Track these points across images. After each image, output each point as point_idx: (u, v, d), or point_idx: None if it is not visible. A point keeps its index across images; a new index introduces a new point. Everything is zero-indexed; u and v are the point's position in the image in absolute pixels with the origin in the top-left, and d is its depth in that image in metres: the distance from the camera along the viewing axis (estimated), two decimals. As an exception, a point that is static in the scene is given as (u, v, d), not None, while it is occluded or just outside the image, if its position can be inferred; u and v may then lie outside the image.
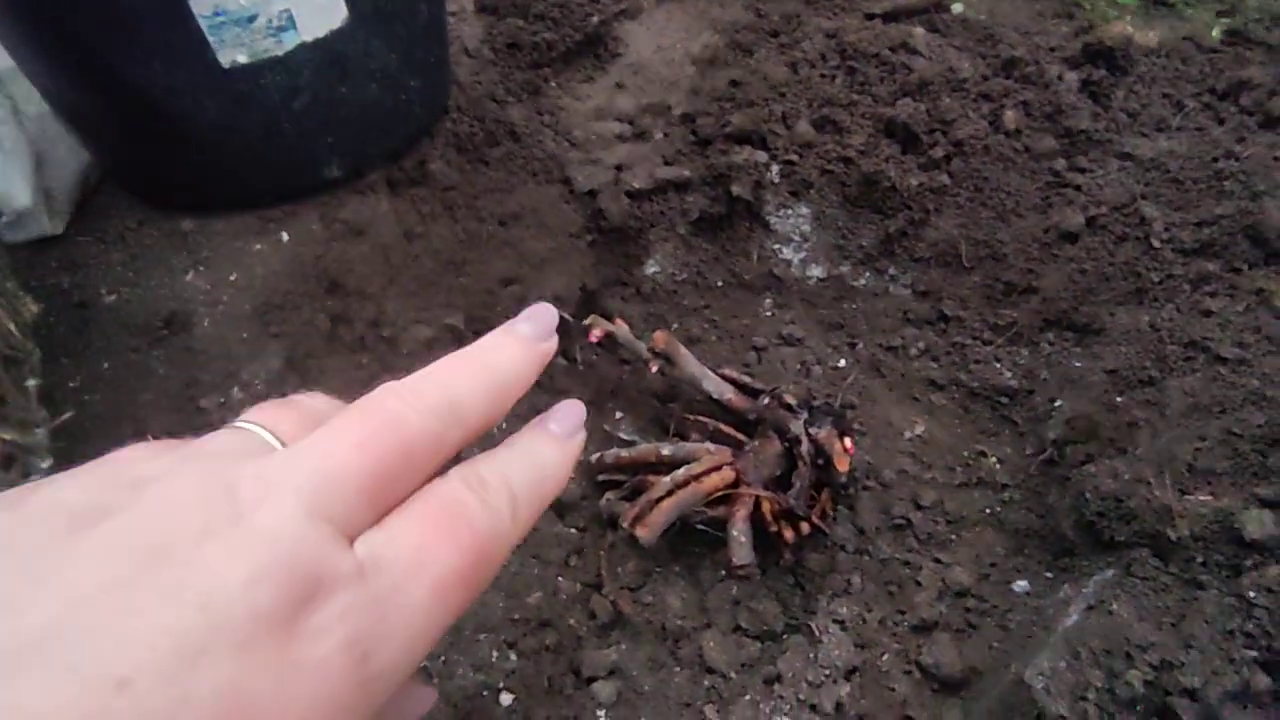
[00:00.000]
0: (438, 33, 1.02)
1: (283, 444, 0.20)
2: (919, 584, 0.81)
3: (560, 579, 0.85)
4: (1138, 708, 0.58)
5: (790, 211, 1.06)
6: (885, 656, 0.75)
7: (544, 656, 0.76)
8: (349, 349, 0.88)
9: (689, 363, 0.92)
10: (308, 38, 0.83)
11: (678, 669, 0.78)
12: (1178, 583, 0.62)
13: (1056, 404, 0.86)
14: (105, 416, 0.80)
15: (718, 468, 0.83)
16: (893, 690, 0.72)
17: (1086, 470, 0.75)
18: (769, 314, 1.08)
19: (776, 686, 0.74)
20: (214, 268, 0.92)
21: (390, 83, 0.95)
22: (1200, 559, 0.62)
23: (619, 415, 1.01)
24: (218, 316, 0.88)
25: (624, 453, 0.90)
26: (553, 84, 1.21)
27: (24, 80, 0.86)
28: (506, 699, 0.72)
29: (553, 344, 0.25)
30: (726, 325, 1.08)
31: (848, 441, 0.83)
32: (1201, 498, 0.64)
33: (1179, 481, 0.67)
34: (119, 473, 0.18)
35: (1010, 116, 0.97)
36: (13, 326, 0.59)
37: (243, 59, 0.82)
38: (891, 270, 1.03)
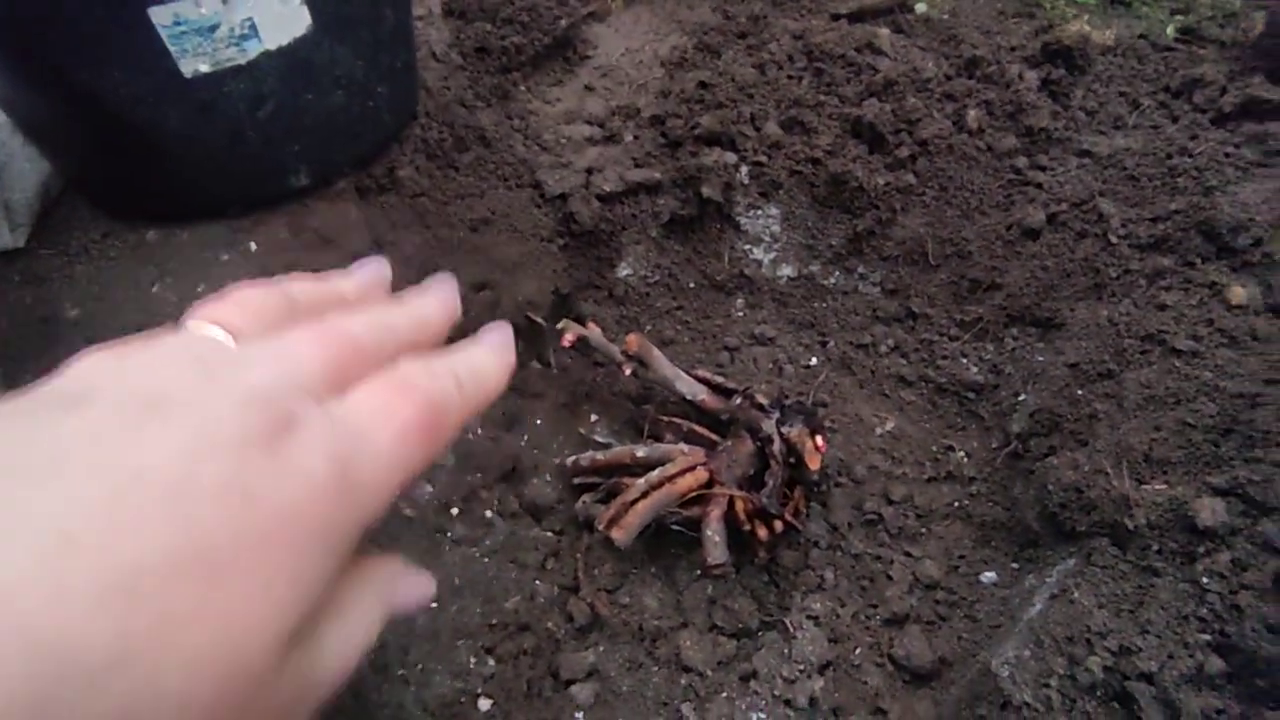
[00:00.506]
0: (404, 38, 1.01)
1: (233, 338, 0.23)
2: (890, 578, 0.82)
3: (537, 582, 0.85)
4: (1098, 693, 0.60)
5: (760, 212, 1.07)
6: (858, 650, 0.77)
7: (522, 661, 0.76)
8: (320, 358, 0.88)
9: (662, 364, 0.93)
10: (271, 46, 0.82)
11: (655, 669, 0.78)
12: (1135, 570, 0.64)
13: (1021, 398, 0.88)
14: (72, 432, 0.79)
15: (691, 468, 0.84)
16: (865, 683, 0.74)
17: (1049, 462, 0.77)
18: (741, 314, 1.09)
19: (752, 683, 0.75)
20: (181, 280, 0.91)
21: (356, 89, 0.95)
22: (1156, 547, 0.63)
23: (594, 418, 1.02)
24: (186, 328, 0.87)
25: (599, 455, 0.91)
26: (522, 88, 1.21)
27: (-20, 91, 0.85)
28: (485, 704, 0.72)
29: (450, 314, 0.29)
30: (699, 326, 1.09)
31: (819, 439, 0.85)
32: (1157, 487, 0.66)
33: (1136, 472, 0.69)
34: (109, 366, 0.20)
35: (973, 116, 0.99)
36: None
37: (205, 68, 0.81)
38: (860, 269, 1.04)
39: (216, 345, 0.22)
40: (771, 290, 1.08)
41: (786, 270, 1.07)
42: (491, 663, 0.74)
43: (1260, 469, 0.61)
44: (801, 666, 0.75)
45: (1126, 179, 0.92)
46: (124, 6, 0.75)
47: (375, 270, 0.30)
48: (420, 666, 0.70)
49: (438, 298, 0.29)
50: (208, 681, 0.16)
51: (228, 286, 0.26)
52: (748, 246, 1.09)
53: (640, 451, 0.88)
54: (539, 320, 1.00)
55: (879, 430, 0.96)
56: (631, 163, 1.08)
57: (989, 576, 0.80)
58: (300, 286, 0.26)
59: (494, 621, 0.79)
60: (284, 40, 0.82)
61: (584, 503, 0.89)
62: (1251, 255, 0.77)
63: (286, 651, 0.18)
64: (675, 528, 0.83)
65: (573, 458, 0.92)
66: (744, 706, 0.74)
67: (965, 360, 0.95)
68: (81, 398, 0.18)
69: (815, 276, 1.06)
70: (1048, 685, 0.61)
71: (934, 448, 0.93)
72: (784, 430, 0.84)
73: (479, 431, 0.98)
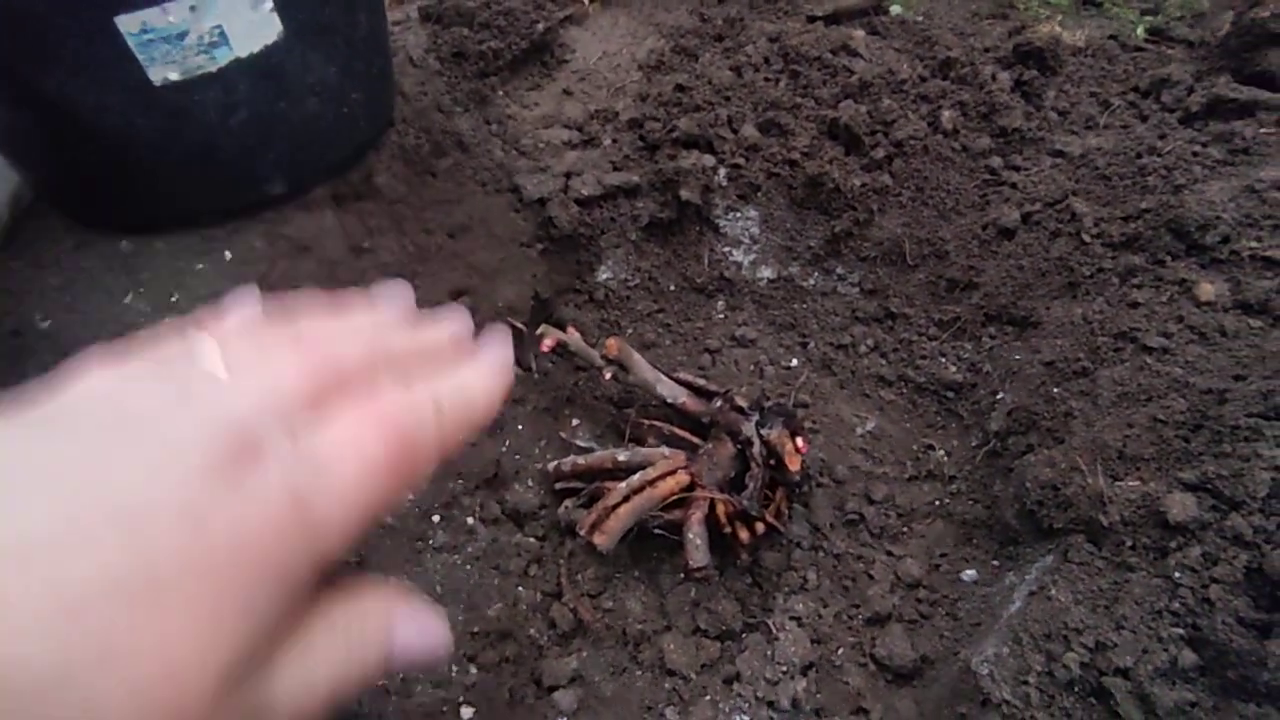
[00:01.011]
0: (379, 44, 1.01)
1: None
2: (872, 577, 0.83)
3: (520, 589, 0.85)
4: (1075, 689, 0.61)
5: (739, 214, 1.08)
6: (840, 650, 0.77)
7: (504, 668, 0.76)
8: (297, 368, 0.87)
9: (642, 368, 0.93)
10: (241, 53, 0.82)
11: (639, 672, 0.78)
12: (1110, 566, 0.65)
13: (999, 396, 0.89)
14: (43, 447, 0.78)
15: (672, 472, 0.84)
16: (847, 684, 0.74)
17: (1027, 460, 0.78)
18: (721, 316, 1.09)
19: (735, 685, 0.75)
20: (155, 290, 0.90)
21: (331, 96, 0.94)
22: (1129, 543, 0.64)
23: (575, 422, 1.01)
24: (160, 339, 0.86)
25: (581, 460, 0.91)
26: (500, 92, 1.21)
27: (-54, 101, 0.83)
28: (467, 713, 0.72)
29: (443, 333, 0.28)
30: (680, 329, 1.09)
31: (799, 441, 0.85)
32: (1130, 483, 0.67)
33: (1110, 468, 0.70)
34: (101, 382, 0.20)
35: (947, 116, 1.00)
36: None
37: (174, 76, 0.80)
38: (839, 270, 1.05)
39: (204, 363, 0.22)
40: (752, 292, 1.08)
41: (766, 272, 1.08)
42: (474, 671, 0.74)
43: (1229, 464, 0.62)
44: (784, 668, 0.75)
45: (1098, 178, 0.93)
46: (90, 14, 0.74)
47: (393, 298, 0.29)
48: (400, 677, 0.70)
49: (449, 330, 0.28)
50: (147, 711, 0.16)
51: (241, 296, 0.26)
52: (727, 249, 1.09)
53: (622, 456, 0.88)
54: (519, 325, 0.99)
55: (860, 430, 0.97)
56: (610, 166, 1.08)
57: (970, 574, 0.80)
58: (309, 320, 0.25)
59: (476, 629, 0.79)
60: (255, 48, 0.82)
61: (566, 508, 0.89)
62: (1219, 252, 0.78)
63: (233, 686, 0.18)
64: (658, 531, 0.83)
65: (555, 463, 0.92)
66: (727, 709, 0.74)
67: (944, 359, 0.96)
68: (67, 415, 0.19)
69: (795, 278, 1.07)
70: (1026, 682, 0.62)
71: (914, 447, 0.93)
72: (764, 432, 0.84)
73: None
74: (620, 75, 1.21)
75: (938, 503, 0.88)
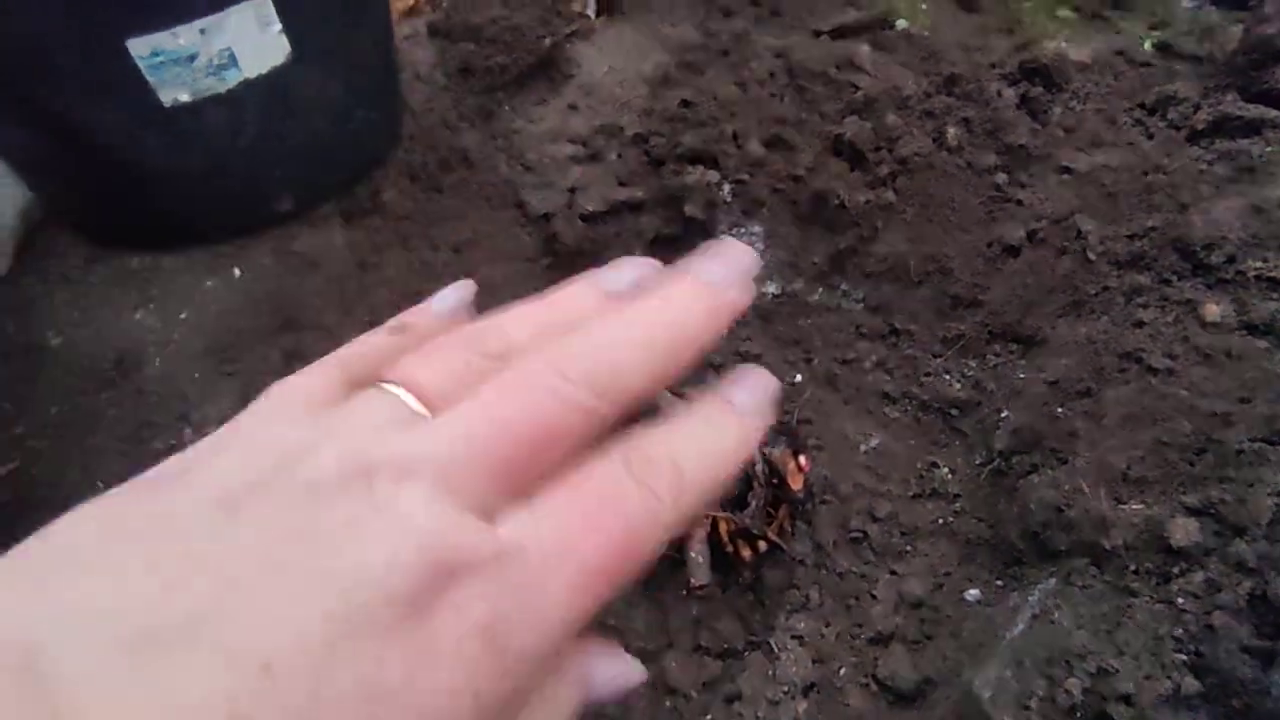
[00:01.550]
0: (386, 63, 1.02)
1: (426, 406, 0.19)
2: (874, 596, 0.83)
3: (523, 606, 0.85)
4: (1078, 715, 0.60)
5: (743, 230, 1.08)
6: (842, 671, 0.77)
7: (506, 687, 0.76)
8: (303, 384, 0.88)
9: (646, 384, 0.94)
10: (250, 74, 0.83)
11: (640, 691, 0.78)
12: (1112, 590, 0.65)
13: (1003, 415, 0.89)
14: (53, 463, 0.79)
15: (676, 490, 0.85)
16: (848, 705, 0.74)
17: (1031, 480, 0.78)
18: (725, 331, 1.09)
19: (736, 705, 0.75)
20: (164, 306, 0.91)
21: (338, 115, 0.95)
22: (1133, 567, 0.64)
23: (580, 438, 1.02)
24: (169, 356, 0.87)
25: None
26: (506, 107, 1.21)
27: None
28: (469, 732, 0.72)
29: (743, 294, 0.22)
30: (685, 343, 1.09)
31: (803, 459, 0.85)
32: (1134, 506, 0.67)
33: (1114, 491, 0.70)
34: (263, 444, 0.18)
35: (952, 133, 1.00)
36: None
37: (185, 97, 0.81)
38: (843, 286, 1.05)
39: (398, 432, 0.18)
40: (755, 307, 1.08)
41: (770, 288, 1.08)
42: (476, 689, 0.74)
43: (1233, 489, 0.62)
44: (785, 688, 0.75)
45: (1104, 196, 0.92)
46: (102, 38, 0.76)
47: (633, 270, 0.22)
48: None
49: (711, 289, 0.21)
50: None
51: (456, 293, 0.22)
52: (732, 264, 1.09)
53: (625, 473, 0.88)
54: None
55: (863, 447, 0.97)
56: (615, 181, 1.08)
57: (973, 594, 0.80)
58: (517, 321, 0.21)
59: (479, 647, 0.79)
60: (263, 68, 0.83)
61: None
62: (1225, 272, 0.78)
63: None
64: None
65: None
66: (729, 729, 0.74)
67: (948, 377, 0.96)
68: (238, 501, 0.16)
69: (799, 294, 1.07)
70: (1028, 707, 0.62)
71: (918, 464, 0.93)
72: (766, 450, 0.84)
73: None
74: (626, 90, 1.22)
75: (941, 521, 0.88)
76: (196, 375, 0.85)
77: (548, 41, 1.23)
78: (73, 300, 0.92)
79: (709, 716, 0.75)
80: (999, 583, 0.80)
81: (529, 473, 0.18)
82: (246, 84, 0.83)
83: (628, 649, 0.76)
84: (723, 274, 0.22)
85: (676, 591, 0.85)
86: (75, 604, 0.14)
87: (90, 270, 0.94)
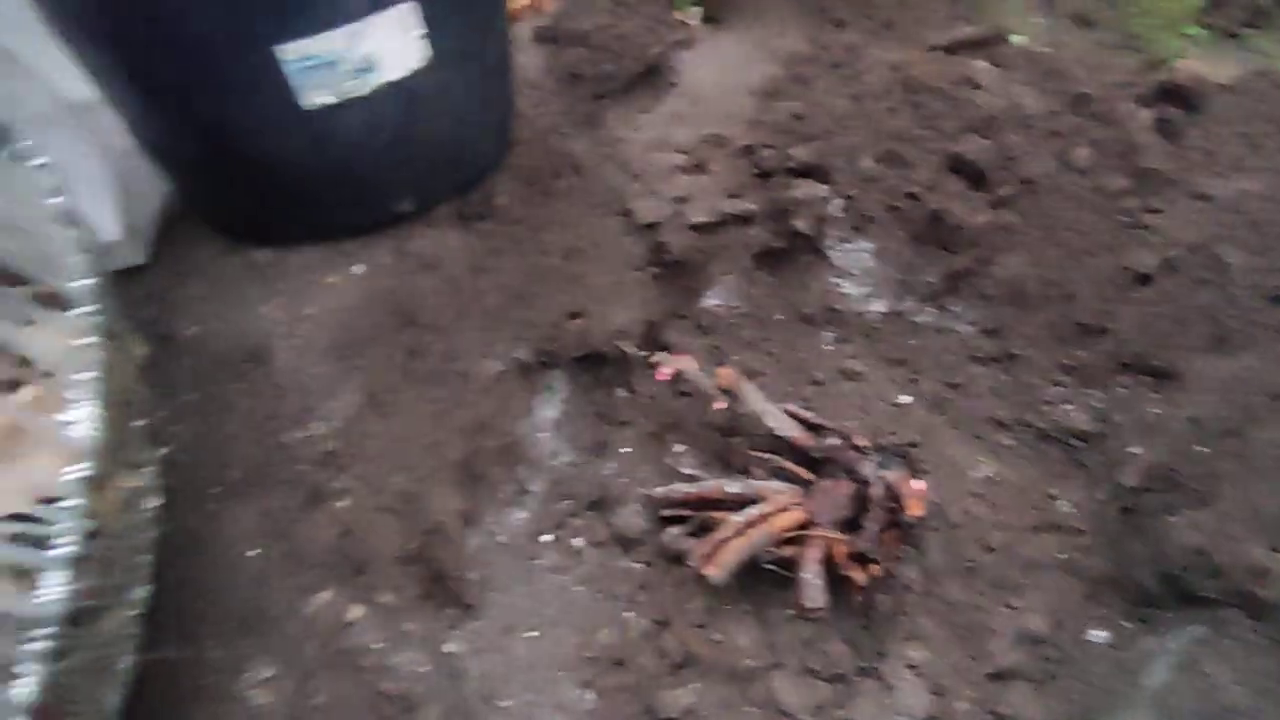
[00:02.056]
0: (506, 68, 1.04)
1: None
2: (991, 630, 0.80)
3: (628, 615, 0.85)
4: (1235, 774, 0.57)
5: (852, 246, 1.06)
6: (961, 705, 0.75)
7: (619, 696, 0.76)
8: (424, 382, 0.90)
9: (753, 399, 0.93)
10: (390, 77, 0.85)
11: (749, 709, 0.78)
12: (1273, 645, 0.61)
13: (1131, 450, 0.85)
14: (191, 449, 0.82)
15: (787, 508, 0.84)
16: (972, 742, 0.72)
17: (1168, 520, 0.75)
18: (829, 348, 1.08)
19: (851, 732, 0.74)
20: (290, 300, 0.94)
21: (463, 118, 0.97)
22: (1298, 622, 0.61)
23: (679, 448, 1.01)
24: (295, 349, 0.90)
25: (688, 488, 0.91)
26: (610, 114, 1.22)
27: (105, 112, 0.89)
28: (583, 739, 0.73)
29: None
30: (785, 358, 1.08)
31: (920, 484, 0.83)
32: (1296, 557, 0.64)
33: (1268, 537, 0.66)
34: None
35: (1081, 154, 0.97)
36: (128, 369, 0.61)
37: (327, 100, 0.84)
38: (956, 307, 1.02)
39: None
40: (861, 325, 1.07)
41: (878, 305, 1.06)
42: (590, 696, 0.75)
43: None
44: (903, 718, 0.73)
45: (1247, 224, 0.88)
46: (254, 44, 0.79)
47: None
48: (524, 698, 0.71)
49: None
50: None
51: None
52: (837, 280, 1.08)
53: (732, 487, 0.88)
54: (628, 349, 1.00)
55: (973, 474, 0.94)
56: (723, 193, 1.08)
57: (1100, 635, 0.77)
58: None
59: (588, 655, 0.80)
60: (403, 72, 0.85)
61: (672, 535, 0.89)
62: (1394, 313, 0.74)
63: None
64: (768, 566, 0.82)
65: (662, 490, 0.92)
66: (843, 757, 0.72)
67: (1070, 407, 0.92)
68: None
69: (908, 313, 1.05)
70: (1179, 761, 0.59)
71: (1035, 495, 0.90)
72: (883, 473, 0.83)
73: (567, 458, 0.99)
74: (731, 101, 1.21)
75: (1062, 556, 0.85)
76: (322, 369, 0.88)
77: (656, 49, 1.24)
78: (205, 292, 0.96)
79: (821, 742, 0.74)
80: (1128, 625, 0.77)
81: None
82: (385, 87, 0.85)
83: (734, 666, 0.74)
84: None
85: (782, 610, 0.84)
86: None
87: (221, 263, 0.98)
